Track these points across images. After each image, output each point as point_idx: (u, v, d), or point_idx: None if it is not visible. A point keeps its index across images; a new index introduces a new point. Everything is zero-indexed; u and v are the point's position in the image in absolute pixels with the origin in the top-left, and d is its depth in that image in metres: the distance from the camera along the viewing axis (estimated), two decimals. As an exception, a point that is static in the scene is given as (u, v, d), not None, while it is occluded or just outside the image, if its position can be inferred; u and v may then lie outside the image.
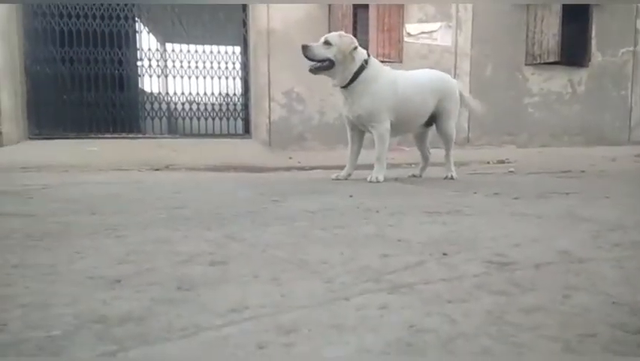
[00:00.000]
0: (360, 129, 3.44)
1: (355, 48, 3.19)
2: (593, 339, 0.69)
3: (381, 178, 3.18)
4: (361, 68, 3.18)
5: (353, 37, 3.27)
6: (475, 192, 2.58)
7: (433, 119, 3.58)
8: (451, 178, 3.51)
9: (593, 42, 8.57)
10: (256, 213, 1.85)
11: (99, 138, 7.29)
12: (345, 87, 3.24)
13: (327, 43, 3.16)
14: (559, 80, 8.53)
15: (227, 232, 1.45)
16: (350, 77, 3.18)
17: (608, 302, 0.84)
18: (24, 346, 0.67)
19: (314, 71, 3.22)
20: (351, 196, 2.37)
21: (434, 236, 1.37)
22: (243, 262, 1.10)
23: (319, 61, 3.17)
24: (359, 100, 3.22)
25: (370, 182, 3.14)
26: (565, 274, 1.01)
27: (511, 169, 4.89)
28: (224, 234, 1.42)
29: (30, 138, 7.06)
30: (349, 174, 3.48)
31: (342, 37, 3.19)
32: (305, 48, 3.17)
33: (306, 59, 3.28)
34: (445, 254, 1.15)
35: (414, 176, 3.72)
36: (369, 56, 3.29)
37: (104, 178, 4.03)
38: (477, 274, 1.00)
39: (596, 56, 8.63)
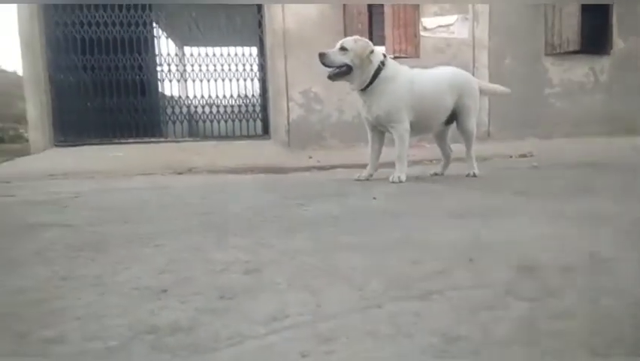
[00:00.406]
0: (380, 130, 3.46)
1: (372, 52, 3.20)
2: (620, 343, 0.71)
3: (403, 178, 3.20)
4: (378, 70, 3.21)
5: (368, 41, 3.29)
6: (499, 191, 2.59)
7: (453, 117, 3.58)
8: (474, 175, 3.51)
9: (614, 29, 8.39)
10: (282, 218, 1.89)
11: (122, 143, 7.45)
12: (363, 90, 3.26)
13: (343, 48, 3.19)
14: (580, 70, 8.38)
15: (256, 238, 1.50)
16: (368, 80, 3.20)
17: (633, 304, 0.86)
18: (84, 357, 0.73)
19: (332, 77, 3.24)
20: (374, 198, 2.40)
21: (461, 240, 1.40)
22: (276, 269, 1.15)
23: (337, 67, 3.19)
24: (377, 101, 3.24)
25: (392, 182, 3.16)
26: (592, 277, 1.03)
27: (535, 163, 4.85)
28: (254, 241, 1.47)
29: (56, 145, 7.25)
30: (371, 175, 3.51)
31: (357, 42, 3.20)
32: (322, 56, 3.20)
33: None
34: (472, 260, 1.18)
35: (436, 174, 3.73)
36: (385, 57, 3.30)
37: (130, 184, 4.14)
38: (505, 280, 1.02)
39: (618, 43, 8.45)
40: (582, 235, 1.43)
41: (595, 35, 8.13)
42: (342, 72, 3.20)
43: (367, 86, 3.22)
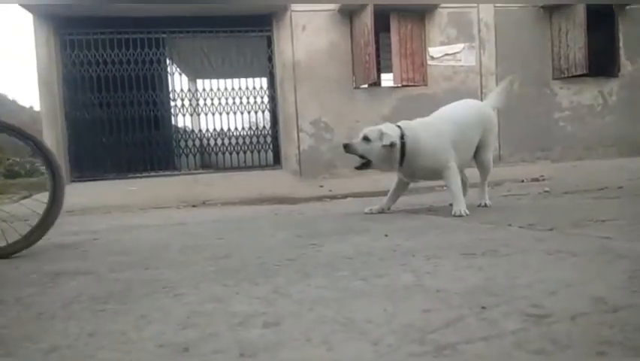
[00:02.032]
0: (406, 181, 3.58)
1: (393, 144, 3.25)
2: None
3: (464, 210, 3.19)
4: (403, 147, 3.27)
5: (392, 135, 3.27)
6: (510, 224, 2.61)
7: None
8: (484, 206, 3.54)
9: (622, 52, 8.47)
10: (297, 260, 1.94)
11: (137, 177, 7.61)
12: (399, 168, 3.38)
13: (366, 138, 3.29)
14: (589, 93, 8.43)
15: (273, 286, 1.55)
16: (398, 161, 3.30)
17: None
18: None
19: (359, 168, 3.39)
20: (386, 235, 2.44)
21: (471, 285, 1.43)
22: (294, 322, 1.19)
23: (360, 157, 3.32)
24: (414, 166, 3.33)
25: (454, 215, 3.16)
26: (600, 327, 1.06)
27: (546, 189, 4.86)
28: (271, 288, 1.52)
29: (72, 181, 7.42)
30: (382, 210, 3.56)
31: (382, 135, 3.26)
32: (346, 146, 3.36)
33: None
34: (483, 308, 1.21)
35: (452, 204, 3.75)
36: (400, 128, 3.34)
37: (146, 220, 4.23)
38: (515, 331, 1.06)
39: (626, 65, 8.51)
40: (591, 277, 1.45)
41: (602, 58, 8.20)
42: (366, 164, 3.34)
43: (400, 164, 3.32)
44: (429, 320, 1.16)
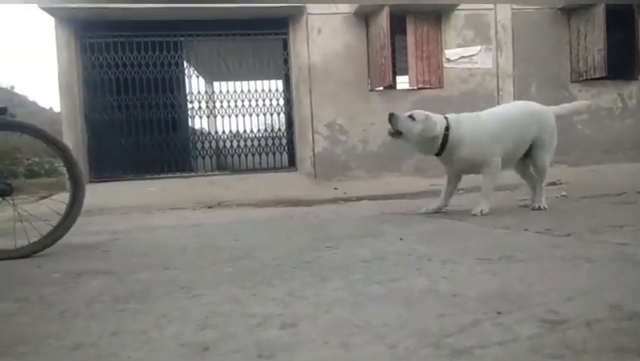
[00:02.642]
0: (458, 174, 3.65)
1: (435, 137, 3.35)
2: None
3: (485, 211, 3.30)
4: (445, 137, 3.36)
5: (437, 122, 3.36)
6: (526, 229, 2.60)
7: (530, 150, 3.65)
8: (539, 209, 3.53)
9: (642, 54, 8.32)
10: (313, 263, 1.97)
11: (155, 178, 7.71)
12: (437, 155, 3.47)
13: (411, 117, 3.38)
14: (608, 96, 8.31)
15: (290, 288, 1.58)
16: (437, 149, 3.40)
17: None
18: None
19: (392, 135, 3.45)
20: (401, 239, 2.45)
21: (487, 290, 1.44)
22: (311, 324, 1.21)
23: (396, 130, 3.39)
24: (453, 157, 3.41)
25: (474, 215, 3.28)
26: (615, 333, 1.06)
27: (564, 193, 4.81)
28: (287, 291, 1.54)
29: (91, 182, 7.54)
30: (440, 209, 3.66)
31: (428, 120, 3.36)
32: (392, 116, 3.40)
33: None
34: (499, 313, 1.22)
35: (526, 206, 3.79)
36: (447, 119, 3.42)
37: (164, 221, 4.29)
38: (531, 336, 1.07)
39: (646, 68, 8.36)
40: (607, 283, 1.45)
41: (621, 61, 8.08)
42: (397, 136, 3.41)
43: (439, 153, 3.41)
44: (444, 325, 1.17)
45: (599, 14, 7.83)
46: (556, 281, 1.51)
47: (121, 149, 7.94)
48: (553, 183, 6.22)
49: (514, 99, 8.02)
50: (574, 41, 8.24)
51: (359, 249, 2.25)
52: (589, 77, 8.10)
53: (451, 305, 1.32)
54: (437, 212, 3.65)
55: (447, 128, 3.37)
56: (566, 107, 3.94)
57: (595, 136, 8.19)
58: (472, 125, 3.44)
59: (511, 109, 3.69)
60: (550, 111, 3.70)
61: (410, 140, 3.40)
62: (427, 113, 3.43)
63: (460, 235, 2.57)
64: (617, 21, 7.91)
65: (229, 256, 2.21)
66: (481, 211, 3.28)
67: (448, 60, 7.93)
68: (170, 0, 6.55)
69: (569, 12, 8.24)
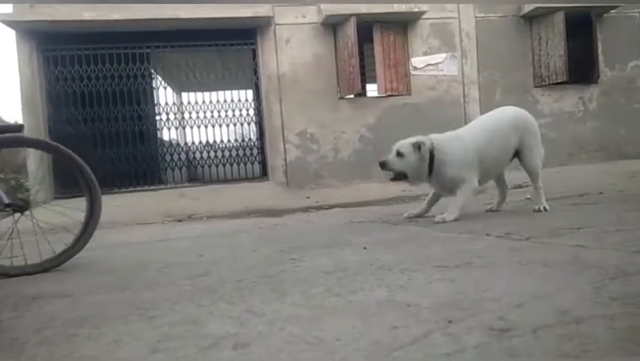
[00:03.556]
0: (438, 194, 3.74)
1: (424, 159, 3.41)
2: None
3: (447, 219, 3.32)
4: (432, 159, 3.41)
5: (425, 141, 3.43)
6: (488, 234, 2.65)
7: (515, 155, 3.72)
8: (539, 210, 3.56)
9: (600, 59, 8.63)
10: (275, 277, 1.96)
11: (123, 192, 7.56)
12: (429, 182, 3.54)
13: (399, 154, 3.42)
14: (570, 99, 8.57)
15: (248, 305, 1.56)
16: (427, 172, 3.44)
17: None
18: None
19: (394, 180, 3.54)
20: (365, 248, 2.46)
21: (442, 298, 1.46)
22: (264, 343, 1.20)
23: (395, 174, 3.47)
24: (442, 178, 3.46)
25: (436, 222, 3.31)
26: (560, 339, 1.08)
27: (528, 196, 4.92)
28: (245, 308, 1.53)
29: (56, 198, 7.35)
30: (420, 215, 3.73)
31: (414, 149, 3.41)
32: (383, 165, 3.47)
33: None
34: (450, 322, 1.24)
35: (491, 210, 3.85)
36: (431, 142, 3.46)
37: (130, 237, 4.21)
38: (477, 345, 1.08)
39: (605, 72, 8.67)
40: (559, 288, 1.49)
41: (582, 66, 8.35)
42: (399, 178, 3.48)
43: (429, 175, 3.46)
44: (397, 337, 1.18)
45: (559, 21, 8.08)
46: (510, 287, 1.53)
47: (87, 163, 7.75)
48: (519, 186, 6.35)
49: (480, 105, 8.21)
50: (536, 48, 8.48)
51: (323, 260, 2.25)
52: (551, 82, 8.35)
53: (406, 316, 1.33)
54: (418, 217, 3.72)
55: (432, 151, 3.42)
56: None
57: (559, 139, 8.42)
58: (452, 145, 3.49)
59: (490, 118, 3.73)
60: (530, 115, 3.80)
61: (411, 174, 3.45)
62: (409, 141, 3.47)
63: (424, 242, 2.59)
64: (577, 28, 8.18)
65: (191, 273, 2.17)
66: (443, 219, 3.31)
67: (415, 68, 8.05)
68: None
69: (530, 19, 8.48)
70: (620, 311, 1.22)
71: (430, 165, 3.41)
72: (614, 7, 8.41)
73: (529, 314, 1.26)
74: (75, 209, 2.74)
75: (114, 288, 2.00)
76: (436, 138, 3.50)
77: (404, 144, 3.45)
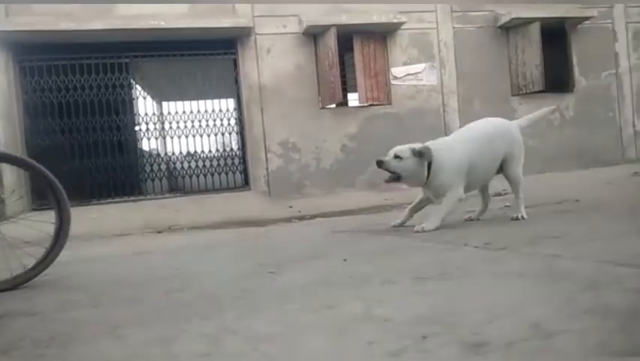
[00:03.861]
0: (426, 200, 3.75)
1: (423, 164, 3.45)
2: None
3: (427, 229, 3.33)
4: (429, 165, 3.45)
5: (430, 147, 3.46)
6: (466, 244, 2.66)
7: (501, 165, 3.73)
8: (517, 219, 3.59)
9: (576, 68, 8.82)
10: (251, 292, 1.93)
11: (102, 203, 7.43)
12: (424, 185, 3.57)
13: (397, 157, 3.46)
14: (547, 108, 8.71)
15: (223, 322, 1.53)
16: (425, 177, 3.48)
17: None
18: None
19: (389, 181, 3.55)
20: (345, 260, 2.45)
21: (418, 312, 1.45)
22: (236, 362, 1.18)
23: (391, 173, 3.48)
24: (436, 185, 3.50)
25: (416, 232, 3.31)
26: (532, 354, 1.08)
27: (507, 203, 4.96)
28: (220, 325, 1.50)
29: (34, 210, 7.18)
30: (403, 223, 3.75)
31: (413, 154, 3.45)
32: (380, 163, 3.49)
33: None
34: (425, 337, 1.23)
35: (470, 219, 3.87)
36: (429, 149, 3.49)
37: (107, 250, 4.12)
38: (453, 359, 1.07)
39: (580, 81, 8.86)
40: (533, 300, 1.49)
41: (558, 75, 8.52)
42: (395, 179, 3.50)
43: (426, 180, 3.50)
44: (372, 354, 1.16)
45: (535, 32, 8.25)
46: (485, 300, 1.53)
47: (64, 174, 7.60)
48: (498, 194, 6.41)
49: (459, 115, 8.31)
50: (513, 57, 8.64)
51: (301, 273, 2.23)
52: (528, 91, 8.49)
53: (382, 331, 1.31)
54: (402, 225, 3.75)
55: (430, 156, 3.46)
56: (529, 117, 4.09)
57: (537, 146, 8.54)
58: (448, 152, 3.54)
59: (479, 128, 3.76)
60: (514, 125, 3.84)
61: (405, 176, 3.48)
62: (407, 146, 3.51)
63: (403, 252, 2.59)
64: (552, 39, 8.36)
65: (166, 289, 2.13)
66: (422, 228, 3.32)
67: (395, 77, 8.12)
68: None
69: (507, 30, 8.64)
70: (590, 325, 1.23)
71: (428, 169, 3.48)
72: (588, 19, 8.62)
73: (503, 328, 1.26)
74: (46, 222, 2.66)
75: (85, 305, 1.95)
76: (434, 146, 3.55)
77: (402, 148, 3.52)
